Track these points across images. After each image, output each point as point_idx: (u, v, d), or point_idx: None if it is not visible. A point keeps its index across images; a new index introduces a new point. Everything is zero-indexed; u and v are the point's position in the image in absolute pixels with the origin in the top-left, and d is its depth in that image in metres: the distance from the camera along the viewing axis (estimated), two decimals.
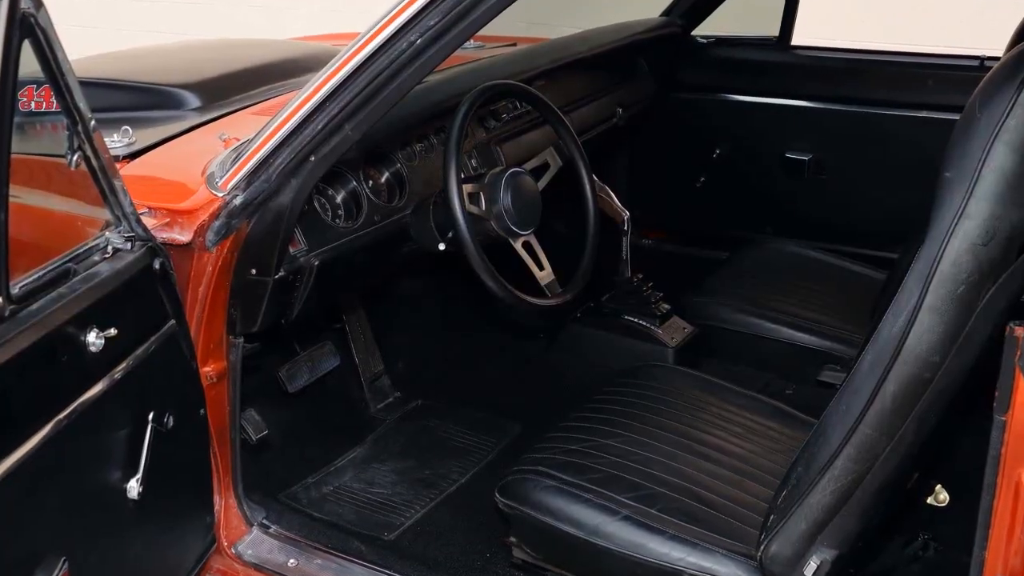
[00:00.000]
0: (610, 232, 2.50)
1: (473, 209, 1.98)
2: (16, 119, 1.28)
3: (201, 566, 1.81)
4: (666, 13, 3.11)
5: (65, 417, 1.39)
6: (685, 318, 2.62)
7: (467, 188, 1.98)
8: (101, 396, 1.46)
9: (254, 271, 1.75)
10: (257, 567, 1.87)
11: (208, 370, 1.77)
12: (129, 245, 1.58)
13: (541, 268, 2.10)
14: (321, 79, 1.62)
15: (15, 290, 1.34)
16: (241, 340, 1.83)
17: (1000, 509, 1.25)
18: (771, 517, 1.52)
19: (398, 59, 1.57)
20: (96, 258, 1.54)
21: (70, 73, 1.40)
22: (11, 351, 1.30)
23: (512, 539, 1.80)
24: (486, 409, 2.60)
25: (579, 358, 2.70)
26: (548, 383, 2.70)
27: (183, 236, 1.68)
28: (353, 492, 2.27)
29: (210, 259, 1.70)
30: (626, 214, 2.57)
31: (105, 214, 1.56)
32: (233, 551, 1.88)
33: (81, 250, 1.52)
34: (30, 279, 1.40)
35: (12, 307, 1.33)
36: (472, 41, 2.67)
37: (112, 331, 1.46)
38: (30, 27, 1.31)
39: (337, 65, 1.61)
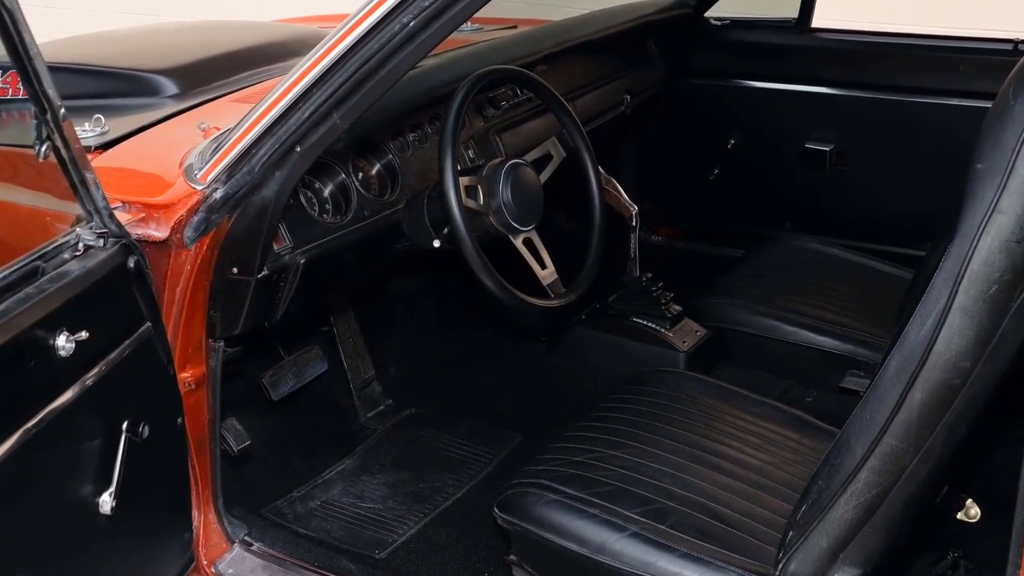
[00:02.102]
0: (617, 228, 2.50)
1: (470, 203, 1.98)
2: None
3: None
4: None
5: (33, 426, 1.39)
6: (698, 320, 2.62)
7: (464, 181, 1.98)
8: (71, 404, 1.46)
9: (235, 270, 1.75)
10: None
11: (186, 376, 1.77)
12: (101, 242, 1.58)
13: (543, 267, 2.10)
14: (307, 64, 1.62)
15: None
16: (221, 344, 1.83)
17: None
18: (790, 534, 1.52)
19: (390, 42, 1.57)
20: (66, 256, 1.54)
21: (38, 57, 1.40)
22: None
23: (512, 557, 1.80)
24: (484, 418, 2.60)
25: (584, 363, 2.70)
26: (551, 390, 2.70)
27: (159, 232, 1.68)
28: (342, 507, 2.27)
29: (188, 257, 1.70)
30: (634, 209, 2.57)
31: (76, 209, 1.56)
32: (213, 570, 1.88)
33: (50, 247, 1.52)
34: None
35: None
36: (469, 23, 2.67)
37: (83, 334, 1.46)
38: None
39: (325, 49, 1.61)
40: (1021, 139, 1.23)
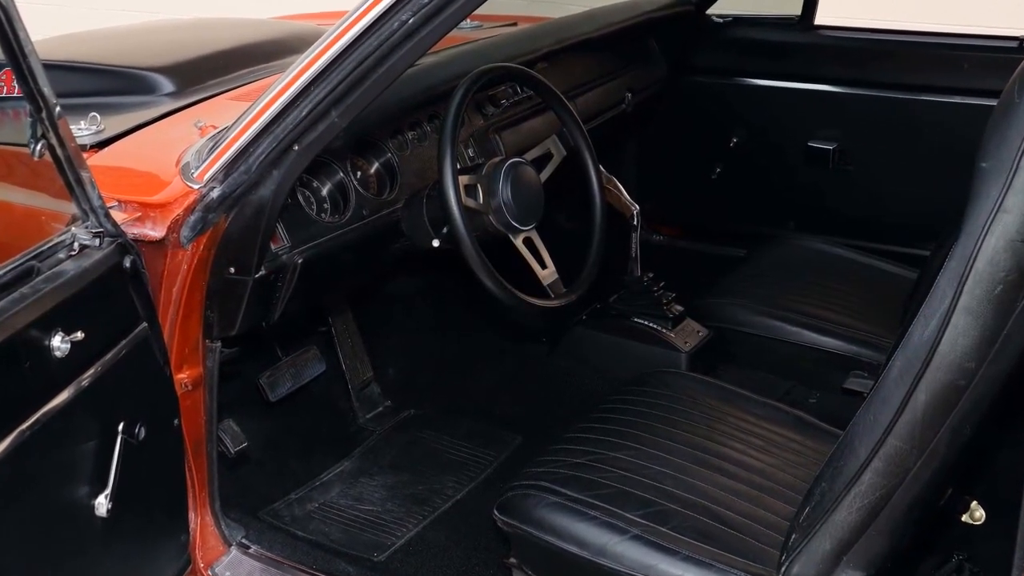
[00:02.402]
0: (618, 227, 2.50)
1: (470, 202, 1.97)
2: None
3: None
4: None
5: (28, 428, 1.39)
6: (700, 320, 2.62)
7: (463, 180, 1.98)
8: (67, 405, 1.46)
9: (233, 270, 1.75)
10: None
11: (183, 377, 1.77)
12: (97, 241, 1.58)
13: (543, 266, 2.10)
14: (305, 61, 1.62)
15: None
16: (218, 344, 1.83)
17: None
18: (793, 536, 1.52)
19: (389, 39, 1.57)
20: (61, 255, 1.54)
21: (33, 55, 1.40)
22: None
23: (512, 560, 1.79)
24: (484, 419, 2.60)
25: (584, 364, 2.70)
26: (551, 391, 2.70)
27: (156, 232, 1.68)
28: (340, 509, 2.27)
29: (185, 257, 1.70)
30: (635, 208, 2.57)
31: (71, 208, 1.56)
32: (210, 573, 1.88)
33: (45, 247, 1.52)
34: None
35: None
36: (469, 20, 2.67)
37: (79, 335, 1.46)
38: None
39: (323, 46, 1.60)
40: None
